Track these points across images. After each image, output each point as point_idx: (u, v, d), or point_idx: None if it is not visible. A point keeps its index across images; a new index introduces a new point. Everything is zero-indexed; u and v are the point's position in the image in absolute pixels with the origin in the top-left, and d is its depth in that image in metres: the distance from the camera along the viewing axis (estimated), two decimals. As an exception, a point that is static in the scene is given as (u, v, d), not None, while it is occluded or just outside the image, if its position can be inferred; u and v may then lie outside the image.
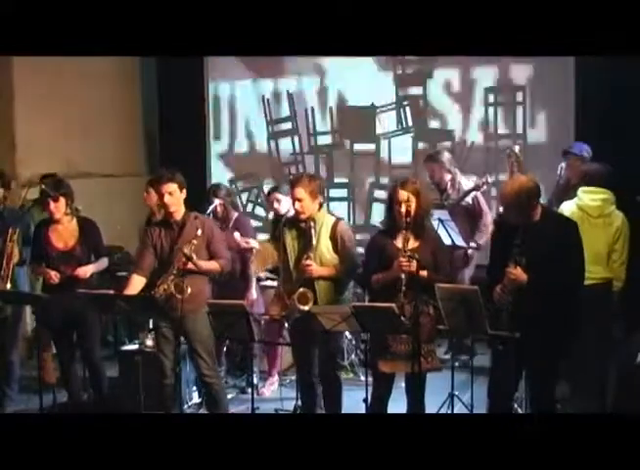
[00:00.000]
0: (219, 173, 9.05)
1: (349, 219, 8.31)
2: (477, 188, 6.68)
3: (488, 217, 6.72)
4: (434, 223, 5.68)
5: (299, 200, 5.03)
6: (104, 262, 5.73)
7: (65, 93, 8.22)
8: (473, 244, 6.74)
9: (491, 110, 7.93)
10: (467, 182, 6.86)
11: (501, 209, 4.90)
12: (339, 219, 5.23)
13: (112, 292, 5.24)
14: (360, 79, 8.32)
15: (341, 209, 8.34)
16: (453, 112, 8.05)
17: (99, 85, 8.57)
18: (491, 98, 7.91)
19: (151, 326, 6.30)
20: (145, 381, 5.72)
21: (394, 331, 4.63)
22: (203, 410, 5.99)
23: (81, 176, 7.83)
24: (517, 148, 6.27)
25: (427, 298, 4.65)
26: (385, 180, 8.37)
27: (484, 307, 4.37)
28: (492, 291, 4.46)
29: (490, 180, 6.55)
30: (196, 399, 6.11)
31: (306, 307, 4.91)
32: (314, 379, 5.30)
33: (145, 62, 9.24)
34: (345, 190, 8.58)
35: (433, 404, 5.16)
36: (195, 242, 5.08)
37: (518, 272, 4.36)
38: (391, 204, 4.83)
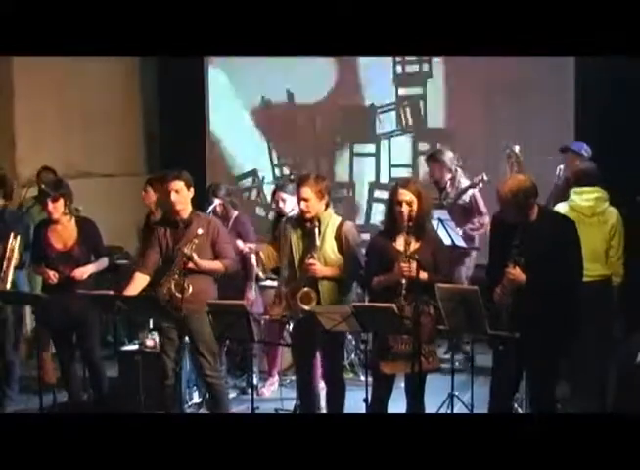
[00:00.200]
0: (219, 173, 9.04)
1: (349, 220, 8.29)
2: (473, 186, 6.67)
3: (486, 218, 6.69)
4: (434, 223, 5.67)
5: (306, 199, 5.02)
6: (104, 262, 5.73)
7: (65, 93, 8.21)
8: (471, 242, 6.74)
9: (491, 109, 7.92)
10: (466, 182, 6.85)
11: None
12: (344, 220, 5.22)
13: (111, 292, 5.24)
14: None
15: (341, 209, 8.33)
16: (453, 111, 8.04)
17: (99, 85, 8.57)
18: (491, 97, 7.91)
19: (151, 326, 6.32)
20: (145, 381, 5.71)
21: (395, 331, 4.62)
22: (203, 410, 5.99)
23: (81, 176, 7.83)
24: (516, 148, 6.26)
25: (427, 298, 4.65)
26: (385, 180, 8.38)
27: (484, 307, 4.37)
28: (492, 292, 4.46)
29: (487, 178, 6.51)
30: (196, 398, 6.10)
31: (308, 307, 4.91)
32: (314, 380, 5.30)
33: (145, 62, 9.23)
34: (345, 190, 8.58)
35: (433, 404, 5.16)
36: (196, 241, 5.08)
37: (516, 272, 4.36)
38: (392, 204, 4.82)
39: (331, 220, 5.10)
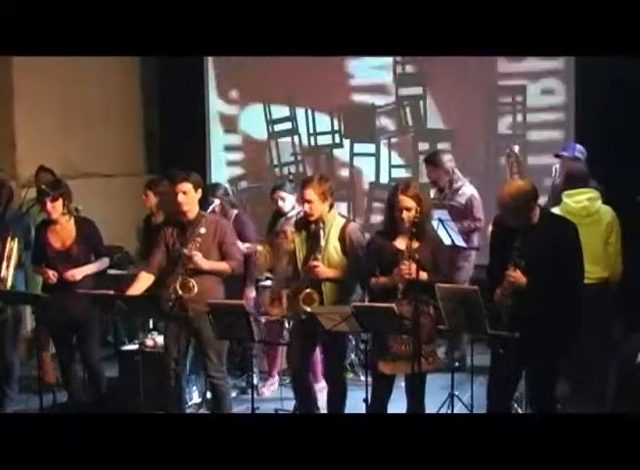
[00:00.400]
0: (219, 173, 9.04)
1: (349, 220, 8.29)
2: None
3: (478, 223, 6.65)
4: (434, 223, 5.67)
5: (309, 201, 5.01)
6: (104, 262, 5.73)
7: (64, 93, 8.21)
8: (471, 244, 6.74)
9: (491, 109, 7.92)
10: (465, 182, 6.84)
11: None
12: (349, 221, 5.21)
13: (112, 292, 5.24)
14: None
15: (341, 209, 8.33)
16: (453, 112, 8.04)
17: (99, 85, 8.57)
18: (492, 97, 7.91)
19: (151, 326, 6.32)
20: (145, 381, 5.71)
21: (395, 331, 4.62)
22: (203, 410, 5.99)
23: (81, 176, 7.83)
24: (516, 148, 6.26)
25: (427, 298, 4.65)
26: (385, 180, 8.38)
27: (484, 308, 4.37)
28: (493, 294, 4.46)
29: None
30: (196, 398, 6.10)
31: (310, 309, 4.90)
32: (311, 382, 5.30)
33: (145, 62, 9.23)
34: (346, 190, 8.58)
35: (433, 404, 5.16)
36: (199, 239, 5.08)
37: (517, 275, 4.36)
38: (391, 207, 4.82)
39: (335, 221, 5.09)
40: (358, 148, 8.56)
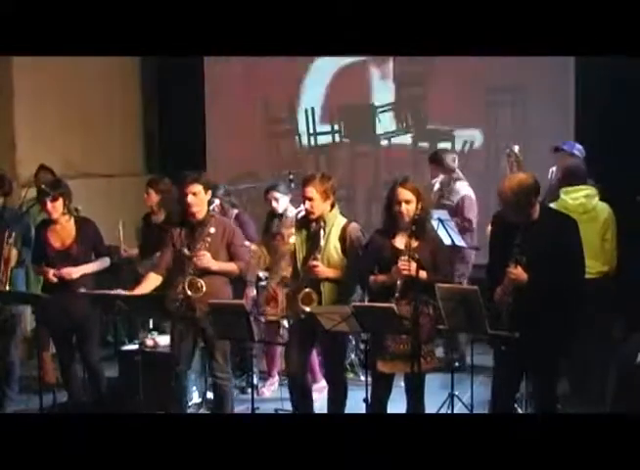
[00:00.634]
0: (219, 173, 9.03)
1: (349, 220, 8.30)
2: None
3: (467, 224, 6.64)
4: (434, 223, 5.67)
5: (310, 199, 4.99)
6: (105, 262, 5.73)
7: (64, 93, 8.22)
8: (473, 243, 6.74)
9: (491, 109, 7.92)
10: (463, 182, 6.83)
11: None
12: (350, 221, 5.20)
13: (112, 292, 5.24)
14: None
15: (340, 209, 8.32)
16: (453, 111, 8.04)
17: (99, 85, 8.58)
18: (491, 97, 7.91)
19: (151, 326, 6.33)
20: (145, 381, 5.71)
21: (394, 331, 4.62)
22: (203, 410, 5.99)
23: (81, 176, 7.83)
24: (516, 148, 6.26)
25: (427, 298, 4.65)
26: (385, 180, 8.37)
27: (485, 307, 4.36)
28: (493, 292, 4.45)
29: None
30: (196, 398, 6.10)
31: (309, 308, 4.89)
32: (308, 382, 5.30)
33: (145, 62, 9.23)
34: (346, 190, 8.58)
35: (433, 404, 5.16)
36: (208, 240, 5.08)
37: (518, 272, 4.34)
38: (391, 203, 4.81)
39: (336, 221, 5.07)
40: (358, 148, 8.56)
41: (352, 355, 6.70)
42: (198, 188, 5.18)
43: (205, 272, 5.11)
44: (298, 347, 5.18)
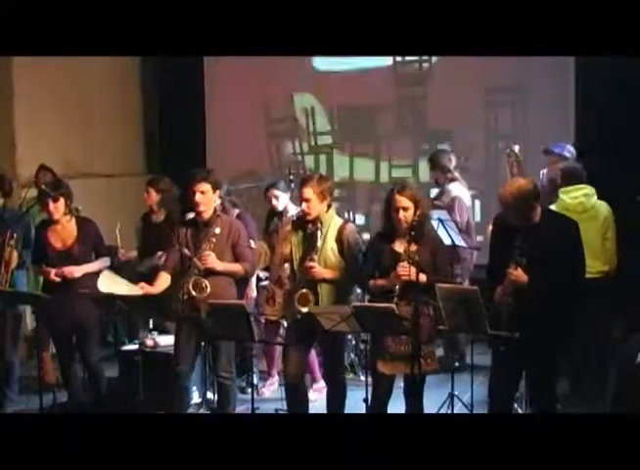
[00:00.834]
0: (219, 173, 9.02)
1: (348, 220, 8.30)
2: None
3: (457, 225, 6.64)
4: (434, 223, 5.67)
5: (307, 200, 4.97)
6: (105, 262, 5.72)
7: (65, 93, 8.21)
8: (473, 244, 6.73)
9: (491, 109, 7.92)
10: (458, 184, 6.81)
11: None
12: (346, 222, 5.19)
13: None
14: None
15: (340, 209, 8.33)
16: (453, 111, 8.04)
17: (99, 85, 8.57)
18: (491, 97, 7.91)
19: (151, 326, 6.32)
20: (145, 381, 5.71)
21: (394, 331, 4.62)
22: (203, 410, 5.99)
23: (81, 176, 7.83)
24: (516, 148, 6.26)
25: (427, 298, 4.64)
26: (385, 180, 8.37)
27: (485, 308, 4.36)
28: (493, 292, 4.45)
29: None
30: (196, 398, 6.10)
31: (305, 309, 4.89)
32: (305, 383, 5.30)
33: (145, 62, 9.23)
34: (345, 190, 8.58)
35: (432, 404, 5.16)
36: (213, 240, 5.07)
37: (519, 273, 4.34)
38: (389, 209, 4.80)
39: (332, 222, 5.06)
40: (358, 148, 8.56)
41: (352, 356, 6.70)
42: (206, 187, 5.16)
43: (210, 273, 5.11)
44: (295, 347, 5.18)
